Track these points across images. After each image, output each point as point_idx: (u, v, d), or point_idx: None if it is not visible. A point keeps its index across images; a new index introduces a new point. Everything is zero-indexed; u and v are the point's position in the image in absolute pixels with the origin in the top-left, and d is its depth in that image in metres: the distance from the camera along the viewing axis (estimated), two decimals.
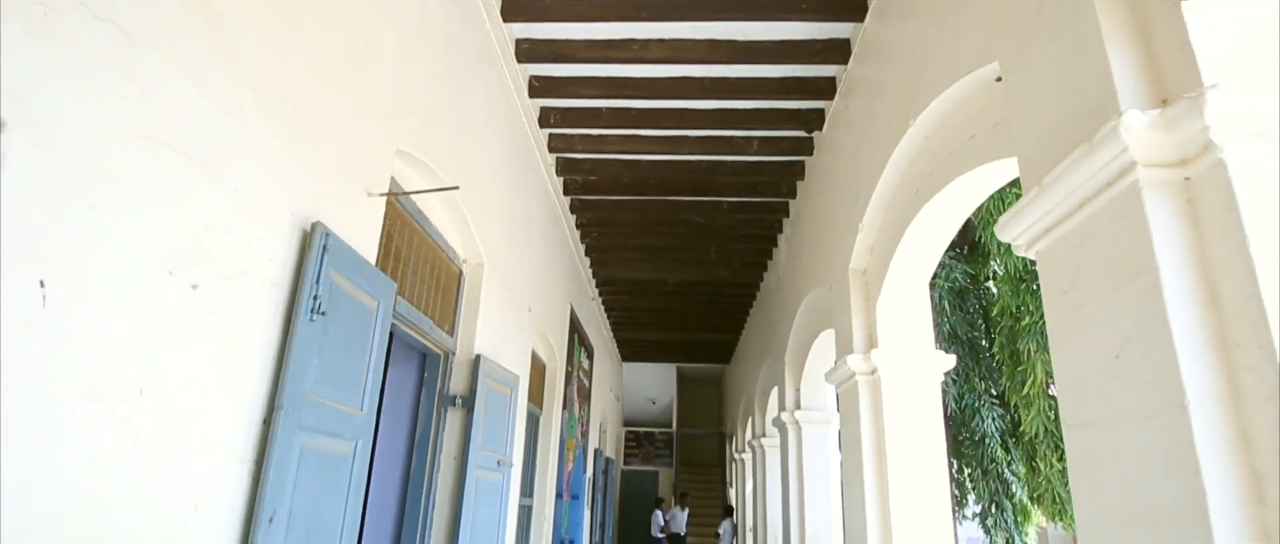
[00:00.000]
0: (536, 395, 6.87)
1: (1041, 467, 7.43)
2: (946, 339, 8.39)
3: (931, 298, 7.94)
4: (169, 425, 1.68)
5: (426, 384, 4.06)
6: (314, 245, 2.22)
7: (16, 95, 1.27)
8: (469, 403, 4.10)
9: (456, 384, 4.16)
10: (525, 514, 6.47)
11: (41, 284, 1.34)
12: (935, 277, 7.94)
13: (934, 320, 7.97)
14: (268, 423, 2.04)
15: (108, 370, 1.50)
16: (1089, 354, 1.92)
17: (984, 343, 8.40)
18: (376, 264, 2.83)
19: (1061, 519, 7.57)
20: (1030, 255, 2.26)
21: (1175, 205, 1.70)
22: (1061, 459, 7.10)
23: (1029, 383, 6.99)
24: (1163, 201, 1.71)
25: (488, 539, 4.29)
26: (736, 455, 13.90)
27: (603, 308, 10.74)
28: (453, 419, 4.10)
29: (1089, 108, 1.92)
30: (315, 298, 2.19)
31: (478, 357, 4.20)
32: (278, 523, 2.02)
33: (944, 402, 8.45)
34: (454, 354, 4.21)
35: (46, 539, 1.36)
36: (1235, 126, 1.58)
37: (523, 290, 5.52)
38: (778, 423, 7.63)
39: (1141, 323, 1.70)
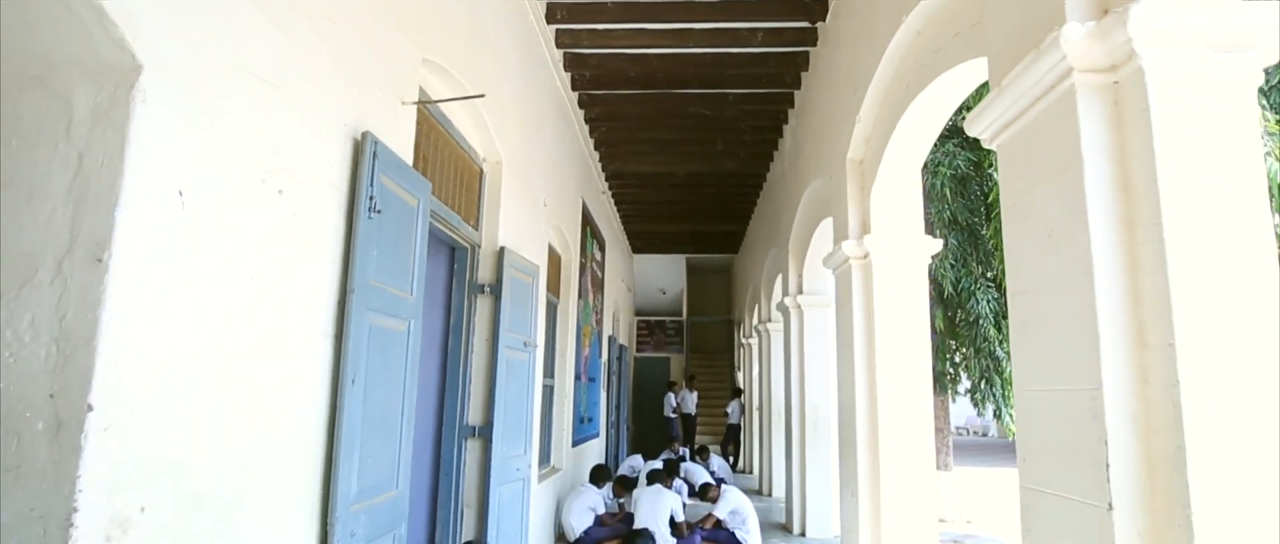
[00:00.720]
0: (553, 285, 7.33)
1: None
2: (947, 225, 8.72)
3: (934, 185, 8.21)
4: (273, 306, 2.09)
5: (457, 274, 4.48)
6: (365, 152, 2.56)
7: (150, 44, 1.58)
8: (496, 291, 4.54)
9: (484, 274, 4.58)
10: (548, 393, 7.08)
11: (180, 193, 1.71)
12: (939, 164, 8.17)
13: (936, 207, 8.28)
14: (342, 304, 2.46)
15: (228, 261, 1.89)
16: (1030, 234, 2.27)
17: (983, 230, 8.72)
18: (412, 166, 3.16)
19: None
20: (994, 147, 2.57)
21: (1104, 106, 2.00)
22: None
23: None
24: (1094, 103, 2.00)
25: (519, 411, 4.86)
26: (744, 341, 14.61)
27: (613, 201, 11.05)
28: (482, 305, 4.55)
29: (1044, 16, 2.17)
30: (371, 198, 2.55)
31: (502, 249, 4.59)
32: (357, 384, 2.48)
33: (942, 285, 8.90)
34: (480, 246, 4.61)
35: (194, 399, 1.79)
36: (1154, 37, 1.85)
37: (538, 186, 5.85)
38: (781, 308, 8.13)
39: (1069, 207, 2.04)
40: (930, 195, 7.57)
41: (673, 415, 14.57)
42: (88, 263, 1.53)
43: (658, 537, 6.09)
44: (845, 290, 4.92)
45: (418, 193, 3.03)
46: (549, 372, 7.00)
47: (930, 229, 7.67)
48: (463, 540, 3.93)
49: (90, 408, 1.47)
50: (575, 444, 8.02)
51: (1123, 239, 1.93)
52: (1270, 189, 4.32)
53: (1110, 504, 1.85)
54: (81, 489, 1.45)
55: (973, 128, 2.59)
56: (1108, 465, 1.86)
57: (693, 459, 10.53)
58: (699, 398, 15.52)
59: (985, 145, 2.63)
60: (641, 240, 14.64)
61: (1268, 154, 4.21)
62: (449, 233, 4.09)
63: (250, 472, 1.99)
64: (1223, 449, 1.74)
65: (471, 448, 4.37)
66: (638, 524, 6.18)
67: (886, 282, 4.58)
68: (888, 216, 4.62)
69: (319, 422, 2.34)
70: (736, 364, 16.72)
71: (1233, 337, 1.78)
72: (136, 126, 1.59)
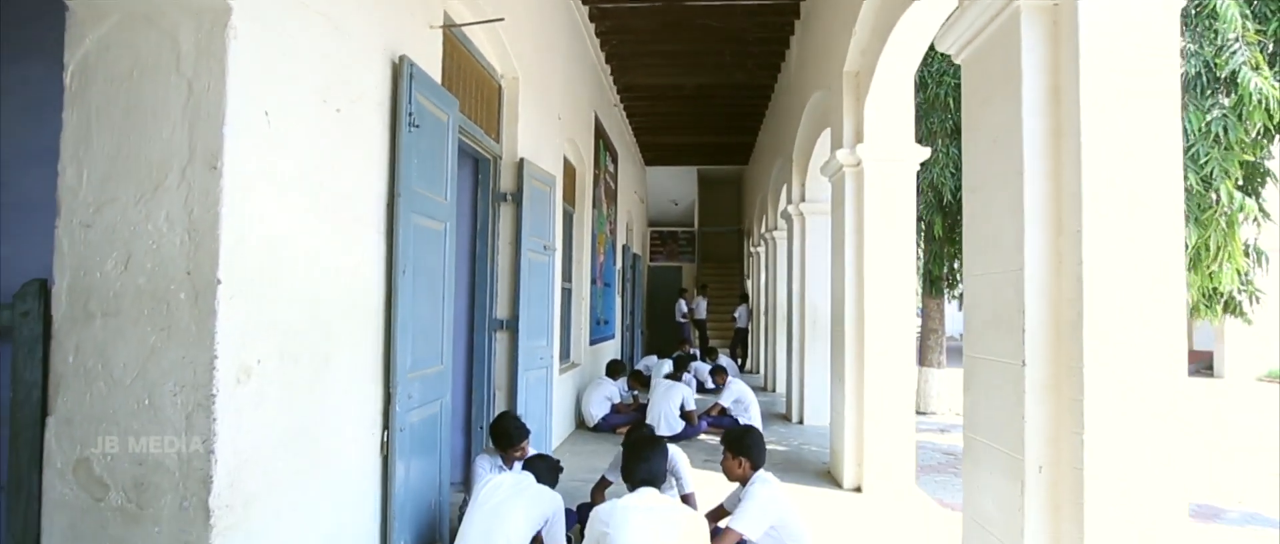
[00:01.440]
0: (569, 195, 7.71)
1: None
2: (950, 135, 8.90)
3: (938, 95, 8.35)
4: (340, 206, 2.51)
5: (481, 184, 4.87)
6: (403, 74, 2.91)
7: None
8: (517, 199, 4.94)
9: (505, 183, 4.97)
10: (567, 296, 7.60)
11: (266, 114, 2.10)
12: (944, 74, 8.28)
13: (939, 116, 8.44)
14: (391, 206, 2.88)
15: (305, 171, 2.30)
16: (981, 140, 2.62)
17: None
18: (441, 85, 3.51)
19: None
20: (959, 62, 2.87)
21: (1044, 28, 2.30)
22: None
23: None
24: (1036, 24, 2.31)
25: (541, 308, 5.36)
26: (752, 250, 15.02)
27: (624, 114, 11.24)
28: (505, 212, 4.97)
29: None
30: (410, 114, 2.93)
31: (521, 160, 4.96)
32: (407, 274, 2.93)
33: (942, 192, 9.15)
34: (500, 158, 4.97)
35: (289, 278, 2.23)
36: None
37: (552, 100, 6.14)
38: (785, 215, 8.49)
39: (1010, 115, 2.38)
40: (934, 105, 7.74)
41: (684, 320, 15.21)
42: (205, 170, 1.94)
43: (670, 420, 6.74)
44: (839, 197, 5.27)
45: (447, 109, 3.39)
46: (567, 276, 7.49)
47: (933, 138, 7.90)
48: (497, 412, 4.50)
49: (219, 281, 1.93)
50: (592, 344, 8.62)
51: (1051, 145, 2.28)
52: (1260, 102, 4.51)
53: (1024, 361, 2.29)
54: (218, 343, 1.93)
55: (941, 44, 2.88)
56: (1024, 330, 2.29)
57: (703, 360, 11.18)
58: (709, 304, 16.14)
59: (955, 60, 2.93)
60: (653, 152, 14.85)
61: (1244, 63, 4.40)
62: (474, 146, 4.46)
63: (333, 339, 2.48)
64: (1111, 318, 2.15)
65: (500, 339, 4.90)
66: (651, 411, 6.82)
67: (876, 188, 4.92)
68: (880, 126, 4.91)
69: (379, 304, 2.81)
70: (745, 272, 17.20)
71: (1126, 227, 2.16)
72: (232, 58, 1.96)
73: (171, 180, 1.96)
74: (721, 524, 3.10)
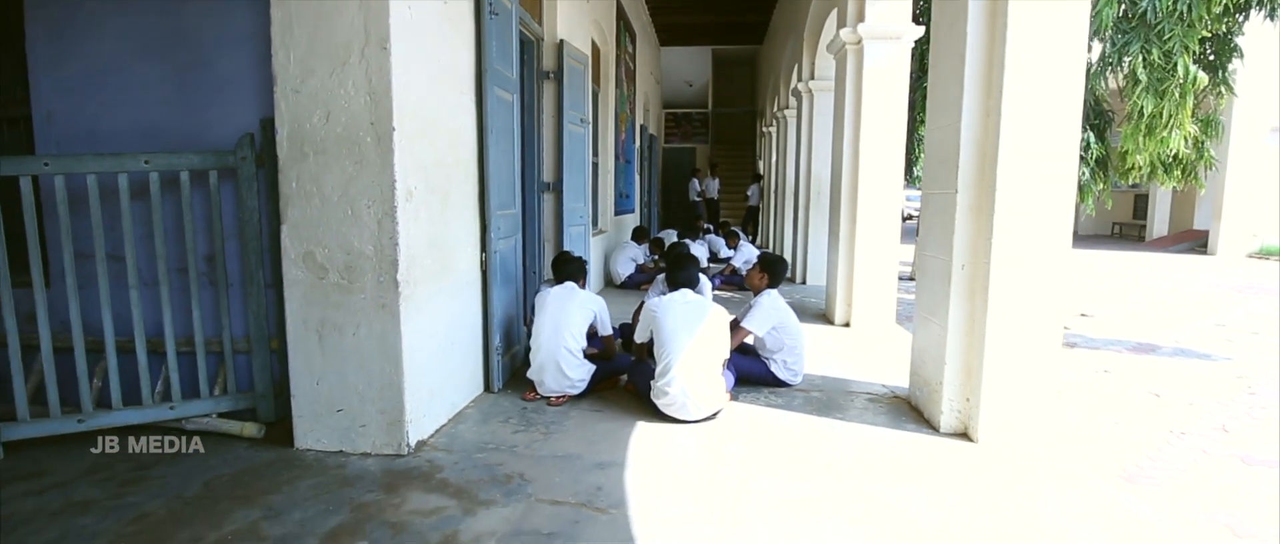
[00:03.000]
0: (595, 76, 8.36)
1: None
2: None
3: None
4: (451, 80, 3.34)
5: (527, 63, 5.60)
6: None
7: None
8: (558, 76, 5.69)
9: (547, 62, 5.70)
10: (594, 169, 8.43)
11: (409, 8, 2.89)
12: None
13: None
14: (479, 80, 3.69)
15: (433, 53, 3.11)
16: (943, 24, 3.37)
17: None
18: None
19: None
20: None
21: None
22: None
23: None
24: None
25: (578, 174, 6.21)
26: (765, 130, 15.59)
27: None
28: (548, 89, 5.73)
29: None
30: (490, 3, 3.68)
31: (561, 41, 5.67)
32: (491, 133, 3.78)
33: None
34: (543, 40, 5.68)
35: (427, 130, 3.08)
36: None
37: None
38: (795, 93, 9.13)
39: (960, 6, 3.12)
40: None
41: (697, 199, 16.05)
42: (378, 50, 2.77)
43: None
44: (841, 73, 5.97)
45: None
46: (595, 151, 8.28)
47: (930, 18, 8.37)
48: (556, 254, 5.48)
49: (393, 129, 2.80)
50: (616, 214, 9.54)
51: (987, 29, 3.05)
52: None
53: (957, 189, 3.17)
54: (396, 173, 2.83)
55: None
56: (958, 166, 3.15)
57: (715, 234, 12.13)
58: (721, 184, 16.91)
59: None
60: (669, 32, 15.13)
61: None
62: (524, 29, 5.17)
63: (451, 180, 3.39)
64: (1018, 155, 3.00)
65: (547, 199, 5.80)
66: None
67: (874, 65, 5.62)
68: (879, 4, 5.53)
69: (474, 156, 3.69)
70: (758, 153, 17.83)
71: (1036, 87, 2.96)
72: None
73: (354, 58, 2.79)
74: (737, 324, 4.10)
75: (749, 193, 16.04)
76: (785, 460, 3.03)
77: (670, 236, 11.45)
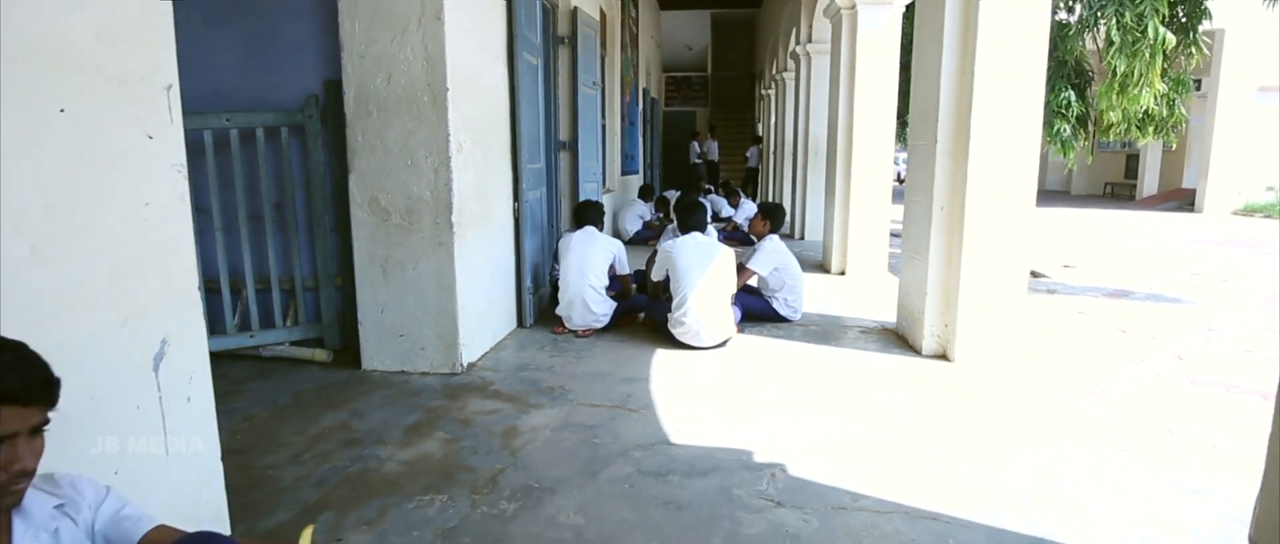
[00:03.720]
0: (601, 41, 8.69)
1: None
2: None
3: None
4: (488, 45, 3.74)
5: (544, 30, 5.97)
6: None
7: None
8: (572, 42, 6.06)
9: (562, 29, 6.06)
10: (602, 131, 8.81)
11: None
12: None
13: None
14: (510, 45, 4.09)
15: (474, 21, 3.51)
16: (929, 26, 3.77)
17: None
18: None
19: None
20: None
21: None
22: None
23: None
24: None
25: (591, 134, 6.62)
26: (763, 92, 15.90)
27: None
28: (563, 53, 6.10)
29: None
30: None
31: (575, 8, 6.03)
32: (521, 94, 4.20)
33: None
34: (558, 7, 6.03)
35: (472, 95, 3.50)
36: None
37: None
38: (794, 56, 9.47)
39: (953, 13, 3.53)
40: None
41: (698, 161, 16.42)
42: (434, 20, 3.18)
43: None
44: (837, 36, 6.35)
45: None
46: (602, 114, 8.66)
47: None
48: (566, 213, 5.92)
49: (448, 89, 3.23)
50: (623, 175, 9.95)
51: (961, 42, 3.46)
52: None
53: (936, 139, 3.61)
54: (450, 128, 3.26)
55: None
56: (938, 119, 3.59)
57: (716, 194, 12.55)
58: (721, 146, 17.27)
59: None
60: None
61: None
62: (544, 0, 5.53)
63: (490, 135, 3.81)
64: (989, 108, 3.43)
65: (563, 157, 6.22)
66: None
67: (867, 29, 5.99)
68: None
69: (507, 115, 4.11)
70: (756, 115, 18.14)
71: (1006, 49, 3.38)
72: None
73: (412, 27, 3.20)
74: (742, 266, 4.56)
75: (748, 155, 16.40)
76: (787, 376, 3.52)
77: (674, 196, 11.88)
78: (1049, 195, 21.57)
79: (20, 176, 1.19)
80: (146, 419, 1.48)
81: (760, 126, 17.46)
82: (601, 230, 4.58)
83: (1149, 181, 19.56)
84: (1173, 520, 2.10)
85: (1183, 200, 17.59)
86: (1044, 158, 22.91)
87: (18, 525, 1.03)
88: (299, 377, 3.49)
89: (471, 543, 1.95)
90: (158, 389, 1.51)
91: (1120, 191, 21.38)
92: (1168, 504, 2.20)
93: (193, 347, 1.62)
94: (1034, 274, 7.22)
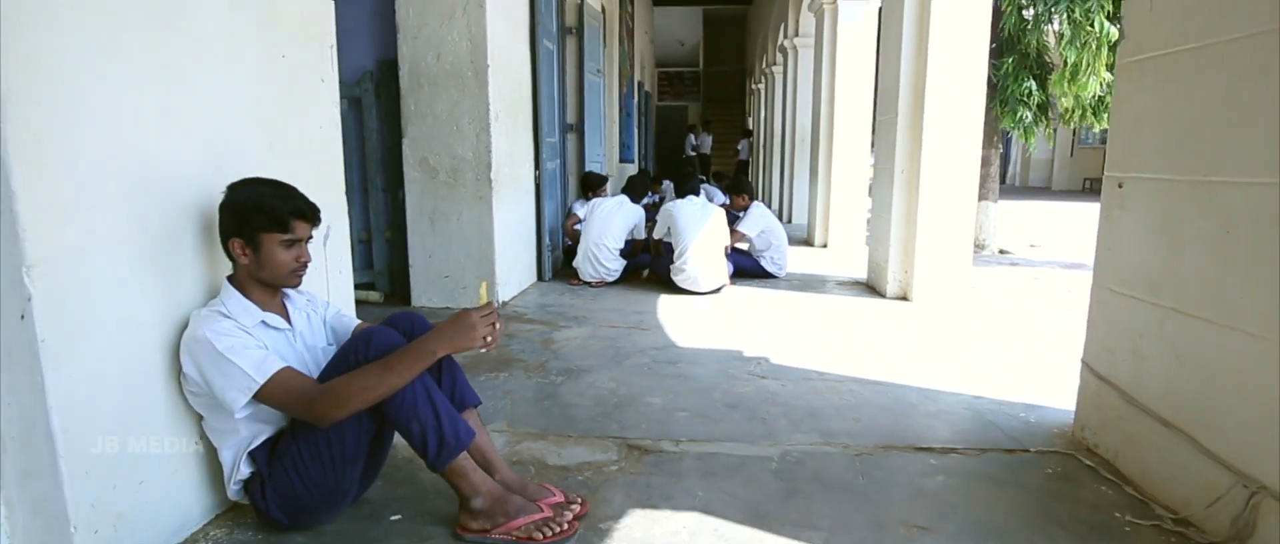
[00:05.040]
0: (603, 34, 9.31)
1: None
2: None
3: None
4: (513, 30, 4.36)
5: (558, 19, 6.59)
6: None
7: None
8: (579, 32, 6.68)
9: (569, 19, 6.69)
10: (603, 118, 9.43)
11: None
12: None
13: None
14: (532, 30, 4.71)
15: (504, 7, 4.13)
16: (892, 20, 4.43)
17: None
18: None
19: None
20: None
21: None
22: None
23: None
24: None
25: (596, 118, 7.25)
26: (754, 87, 16.57)
27: None
28: (571, 42, 6.73)
29: None
30: None
31: (581, 1, 6.65)
32: (540, 74, 4.82)
33: None
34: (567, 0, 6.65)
35: (504, 72, 4.11)
36: None
37: None
38: (782, 49, 10.13)
39: (910, 9, 4.19)
40: None
41: (692, 154, 17.08)
42: (476, 8, 3.80)
43: None
44: (820, 30, 7.01)
45: None
46: (603, 102, 9.27)
47: None
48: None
49: (488, 66, 3.85)
50: (620, 162, 10.58)
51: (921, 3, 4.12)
52: None
53: (897, 114, 4.27)
54: (489, 98, 3.88)
55: None
56: (898, 97, 4.24)
57: (709, 184, 13.21)
58: (713, 140, 17.93)
59: None
60: None
61: None
62: None
63: (516, 108, 4.44)
64: (941, 88, 4.09)
65: (571, 139, 6.84)
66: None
67: (847, 23, 6.66)
68: None
69: (529, 93, 4.73)
70: (747, 110, 18.82)
71: (955, 41, 4.04)
72: None
73: (458, 13, 3.83)
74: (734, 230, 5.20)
75: (739, 148, 17.07)
76: (773, 310, 4.18)
77: (667, 184, 12.52)
78: (1031, 191, 22.35)
79: (263, 96, 1.82)
80: (319, 280, 2.11)
81: (751, 120, 18.14)
82: (638, 201, 5.26)
83: None
84: (1051, 383, 2.77)
85: None
86: (1025, 155, 23.77)
87: (288, 305, 1.67)
88: (360, 312, 4.10)
89: (534, 396, 2.60)
90: (325, 260, 2.13)
91: (1099, 186, 22.15)
92: (1053, 373, 2.87)
93: (340, 234, 2.24)
94: (1001, 252, 7.92)
